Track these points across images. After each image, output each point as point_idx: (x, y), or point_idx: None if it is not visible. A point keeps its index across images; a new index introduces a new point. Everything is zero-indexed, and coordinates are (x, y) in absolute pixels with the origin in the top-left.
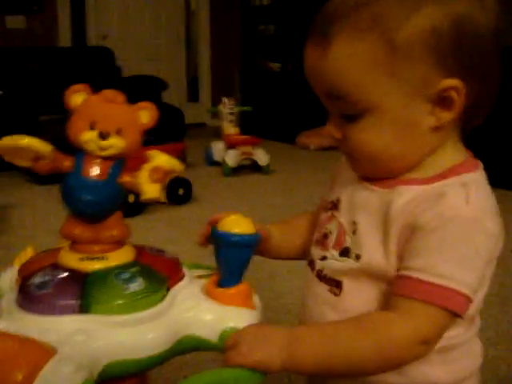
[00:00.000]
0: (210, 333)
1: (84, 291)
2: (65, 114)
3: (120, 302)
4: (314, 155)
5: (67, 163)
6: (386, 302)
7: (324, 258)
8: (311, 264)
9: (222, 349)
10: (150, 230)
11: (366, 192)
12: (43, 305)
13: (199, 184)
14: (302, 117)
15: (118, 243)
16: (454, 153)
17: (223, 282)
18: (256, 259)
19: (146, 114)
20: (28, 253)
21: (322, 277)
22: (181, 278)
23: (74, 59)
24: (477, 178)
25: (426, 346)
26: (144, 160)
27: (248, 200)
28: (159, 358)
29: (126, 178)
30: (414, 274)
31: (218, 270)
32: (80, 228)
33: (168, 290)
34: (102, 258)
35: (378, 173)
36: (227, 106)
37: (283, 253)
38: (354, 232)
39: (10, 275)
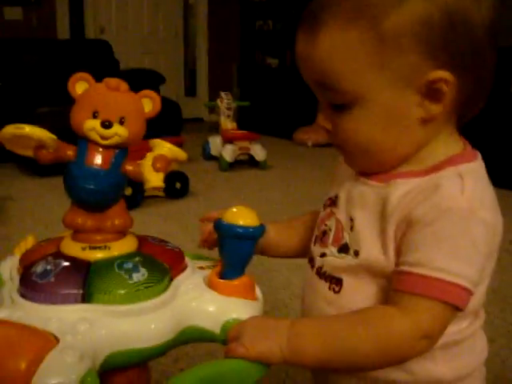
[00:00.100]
0: (212, 324)
1: (86, 280)
2: (63, 106)
3: (123, 291)
4: (311, 151)
5: (70, 152)
6: (386, 299)
7: (323, 255)
8: (311, 261)
9: (224, 340)
10: (146, 224)
11: (362, 187)
12: (45, 294)
13: (196, 178)
14: (300, 113)
15: (121, 233)
16: (450, 144)
17: (226, 274)
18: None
19: (149, 103)
20: (29, 242)
21: (321, 274)
22: (183, 268)
23: (72, 52)
24: (474, 169)
25: (428, 340)
26: (146, 150)
27: (245, 195)
28: (162, 348)
29: (129, 167)
30: (412, 269)
31: (221, 261)
32: (83, 217)
33: (171, 280)
34: (105, 248)
35: (371, 166)
36: (225, 101)
37: (281, 251)
38: (351, 228)
39: (10, 264)
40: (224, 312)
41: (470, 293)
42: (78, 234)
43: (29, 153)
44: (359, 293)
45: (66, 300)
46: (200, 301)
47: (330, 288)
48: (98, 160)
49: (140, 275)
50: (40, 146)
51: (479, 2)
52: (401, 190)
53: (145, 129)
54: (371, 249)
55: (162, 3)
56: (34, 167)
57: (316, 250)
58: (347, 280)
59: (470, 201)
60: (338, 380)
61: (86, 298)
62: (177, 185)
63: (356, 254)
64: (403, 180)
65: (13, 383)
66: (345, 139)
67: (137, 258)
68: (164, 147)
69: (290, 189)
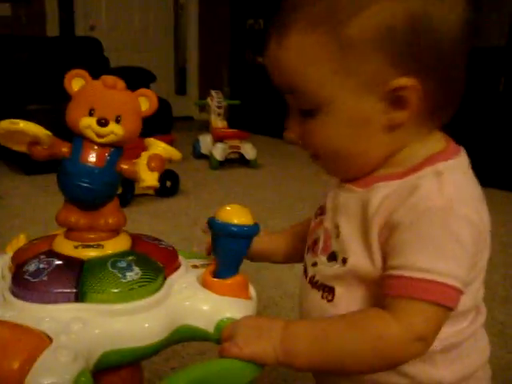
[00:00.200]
0: (206, 323)
1: (80, 279)
2: (52, 103)
3: (116, 290)
4: (301, 150)
5: (64, 149)
6: (379, 305)
7: (315, 264)
8: (305, 271)
9: (217, 339)
10: (136, 222)
11: (345, 194)
12: (38, 293)
13: (186, 177)
14: None
15: (114, 231)
16: (430, 143)
17: (220, 273)
18: None
19: (145, 102)
20: (20, 240)
21: (314, 283)
22: (177, 267)
23: (62, 49)
24: (453, 165)
25: (422, 342)
26: (141, 149)
27: (235, 194)
28: (155, 348)
29: (124, 166)
30: (398, 272)
31: (215, 260)
32: (76, 215)
33: (165, 279)
34: (98, 246)
35: (346, 172)
36: (215, 100)
37: (268, 259)
38: (337, 236)
39: (2, 262)
40: (218, 311)
41: (459, 291)
42: (71, 232)
43: (23, 148)
44: (352, 300)
45: (59, 299)
46: (194, 300)
47: (323, 297)
48: (93, 158)
49: (133, 274)
50: (34, 142)
51: (446, 8)
52: (381, 193)
53: (141, 127)
54: (357, 255)
55: (153, 1)
56: (23, 165)
57: (308, 259)
58: (339, 288)
59: (448, 198)
60: (339, 383)
61: (79, 297)
62: (167, 183)
63: (344, 261)
64: (383, 183)
65: (6, 383)
66: (313, 145)
67: (130, 257)
68: (159, 146)
69: (281, 187)
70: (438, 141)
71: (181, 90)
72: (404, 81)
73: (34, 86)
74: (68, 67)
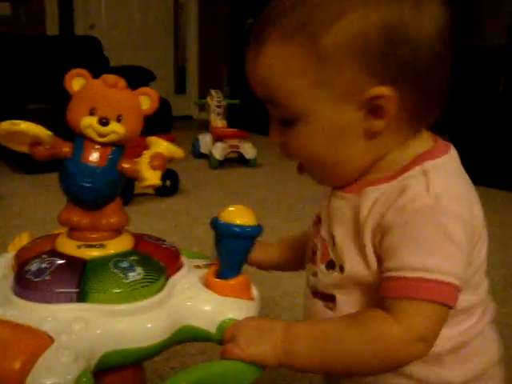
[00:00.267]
0: (208, 323)
1: (82, 279)
2: (51, 102)
3: (118, 290)
4: None
5: (66, 149)
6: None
7: (315, 274)
8: (307, 281)
9: (219, 340)
10: (136, 222)
11: (337, 202)
12: (40, 292)
13: (186, 176)
14: None
15: (117, 231)
16: (418, 144)
17: (223, 273)
18: None
19: (146, 101)
20: (23, 239)
21: (316, 293)
22: (180, 267)
23: (61, 48)
24: (441, 163)
25: (423, 343)
26: (143, 148)
27: (234, 193)
28: (157, 348)
29: (125, 165)
30: (393, 274)
31: (218, 260)
32: (78, 215)
33: (167, 279)
34: (101, 246)
35: (333, 180)
36: (215, 99)
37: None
38: (333, 244)
39: (5, 261)
40: (220, 312)
41: (456, 288)
42: (73, 231)
43: (24, 149)
44: (353, 307)
45: (61, 299)
46: (196, 300)
47: (325, 306)
48: (95, 157)
49: (136, 274)
50: (36, 142)
51: (422, 17)
52: (371, 197)
53: (142, 126)
54: (352, 261)
55: (153, 0)
56: (23, 165)
57: (308, 269)
58: (339, 296)
59: (436, 196)
60: None
61: (81, 297)
62: (167, 182)
63: (341, 269)
64: (373, 187)
65: (6, 382)
66: (294, 154)
67: (132, 257)
68: (161, 145)
69: (280, 187)
70: (425, 140)
71: (180, 89)
72: (380, 90)
73: (34, 86)
74: (67, 66)
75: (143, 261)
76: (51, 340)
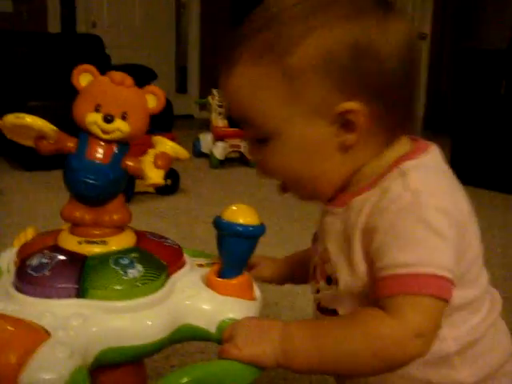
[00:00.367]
0: (208, 323)
1: (82, 275)
2: (53, 100)
3: (117, 287)
4: None
5: (70, 144)
6: None
7: (318, 291)
8: (313, 298)
9: (219, 340)
10: (136, 220)
11: (329, 217)
12: (40, 287)
13: (186, 175)
14: None
15: (119, 228)
16: (396, 149)
17: (225, 273)
18: None
19: (153, 99)
20: (28, 234)
21: (321, 309)
22: (182, 265)
23: (63, 46)
24: (419, 162)
25: (421, 339)
26: (148, 147)
27: (235, 193)
28: (156, 346)
29: (129, 163)
30: (384, 273)
31: (220, 259)
32: (81, 211)
33: (168, 277)
34: (102, 243)
35: (314, 195)
36: (216, 98)
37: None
38: (328, 259)
39: (10, 256)
40: (220, 311)
41: (448, 280)
42: (75, 227)
43: (29, 143)
44: None
45: (60, 294)
46: (196, 299)
47: None
48: (99, 154)
49: (135, 271)
50: (41, 136)
51: (387, 32)
52: (357, 206)
53: (147, 125)
54: (345, 274)
55: None
56: (23, 162)
57: (312, 286)
58: (341, 310)
59: (415, 193)
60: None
61: (80, 293)
62: (167, 181)
63: (337, 283)
64: (358, 197)
65: (2, 376)
66: (271, 172)
67: (133, 254)
68: (166, 145)
69: None
70: (403, 145)
71: (181, 88)
72: (349, 105)
73: (35, 83)
74: (69, 64)
75: (144, 258)
76: (48, 335)
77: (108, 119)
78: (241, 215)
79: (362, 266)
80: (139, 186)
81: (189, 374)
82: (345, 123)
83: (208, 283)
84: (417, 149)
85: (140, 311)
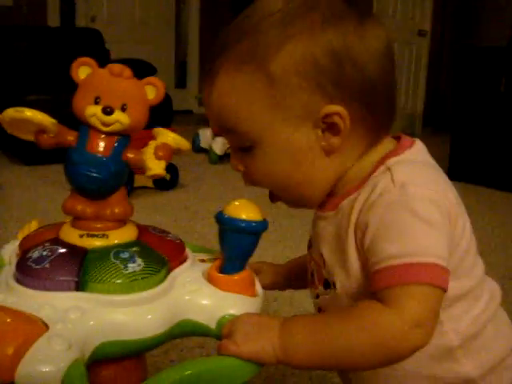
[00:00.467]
0: (208, 318)
1: (81, 268)
2: (51, 94)
3: (117, 281)
4: None
5: (70, 138)
6: None
7: (317, 297)
8: (313, 304)
9: (219, 336)
10: (135, 215)
11: (321, 222)
12: (39, 280)
13: (185, 170)
14: None
15: (121, 221)
16: (381, 148)
17: (226, 268)
18: None
19: (152, 90)
20: (32, 226)
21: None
22: (183, 260)
23: (62, 40)
24: (404, 157)
25: (420, 329)
26: (150, 139)
27: (234, 188)
28: (155, 341)
29: (130, 155)
30: (379, 267)
31: (222, 255)
32: (82, 204)
33: (169, 272)
34: (103, 236)
35: (303, 201)
36: None
37: None
38: (324, 263)
39: (13, 248)
40: (221, 307)
41: (442, 268)
42: (77, 220)
43: (30, 137)
44: None
45: (59, 287)
46: (197, 294)
47: None
48: (99, 147)
49: (136, 265)
50: (41, 130)
51: (365, 36)
52: (347, 207)
53: (147, 116)
54: (342, 277)
55: None
56: (22, 156)
57: (311, 293)
58: None
59: (402, 186)
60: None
61: (80, 286)
62: (166, 176)
63: (335, 286)
64: (347, 198)
65: None
66: (257, 180)
67: (134, 248)
68: (168, 136)
69: None
70: (387, 144)
71: (181, 83)
72: (332, 108)
73: (34, 77)
74: (68, 58)
75: (145, 252)
76: (46, 327)
77: (107, 111)
78: (243, 211)
79: (357, 267)
80: (138, 181)
81: (186, 370)
82: (329, 126)
83: (209, 279)
84: (401, 146)
85: (139, 305)
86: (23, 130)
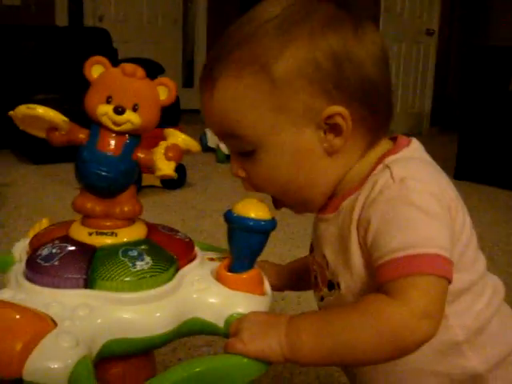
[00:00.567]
0: (216, 317)
1: (90, 266)
2: (59, 93)
3: (125, 279)
4: None
5: (82, 136)
6: None
7: (322, 299)
8: (318, 307)
9: (227, 334)
10: (143, 214)
11: (323, 225)
12: (48, 277)
13: (193, 170)
14: None
15: (130, 220)
16: (379, 149)
17: (235, 267)
18: None
19: (164, 91)
20: (43, 224)
21: None
22: (192, 258)
23: (70, 39)
24: (402, 155)
25: (428, 320)
26: (161, 139)
27: (241, 187)
28: (162, 338)
29: (140, 155)
30: (382, 261)
31: (231, 254)
32: (92, 202)
33: (177, 270)
34: (112, 234)
35: (308, 204)
36: None
37: None
38: (327, 265)
39: (23, 246)
40: (229, 305)
41: (445, 258)
42: (87, 218)
43: (41, 134)
44: None
45: (68, 284)
46: (205, 293)
47: None
48: (110, 145)
49: (144, 264)
50: (52, 127)
51: (362, 39)
52: (348, 207)
53: (159, 117)
54: (347, 277)
55: None
56: (31, 155)
57: (315, 296)
58: None
59: (401, 180)
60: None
61: (88, 284)
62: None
63: (339, 286)
64: (348, 199)
65: (7, 364)
66: (260, 185)
67: (143, 246)
68: (178, 137)
69: None
70: (384, 145)
71: (188, 82)
72: (335, 109)
73: (42, 76)
74: (76, 58)
75: (153, 250)
76: (55, 325)
77: (119, 111)
78: (252, 209)
79: (360, 265)
80: (146, 180)
81: (193, 368)
82: (331, 127)
83: (218, 277)
84: (398, 145)
85: (148, 303)
86: (35, 126)
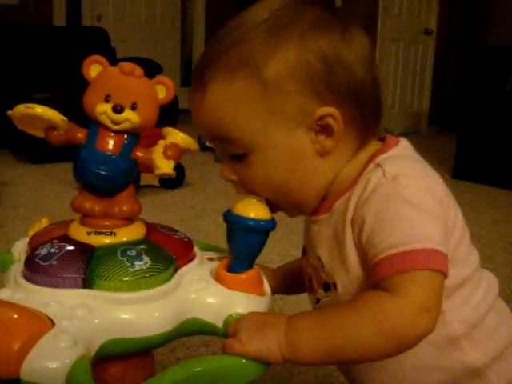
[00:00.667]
0: (214, 317)
1: (89, 266)
2: (57, 93)
3: (124, 279)
4: None
5: (80, 135)
6: None
7: (318, 301)
8: (314, 310)
9: (225, 334)
10: (141, 214)
11: (315, 226)
12: (46, 277)
13: (191, 169)
14: None
15: (129, 219)
16: (367, 151)
17: (234, 267)
18: None
19: (163, 90)
20: (42, 224)
21: None
22: (191, 258)
23: (68, 39)
24: (392, 154)
25: (427, 314)
26: (160, 138)
27: None
28: (161, 338)
29: (139, 153)
30: (378, 258)
31: (230, 253)
32: (91, 201)
33: (176, 270)
34: (111, 234)
35: (302, 207)
36: None
37: None
38: (322, 266)
39: (23, 245)
40: (228, 306)
41: (440, 252)
42: (85, 218)
43: (40, 134)
44: None
45: (66, 284)
46: (203, 293)
47: None
48: (108, 145)
49: (142, 263)
50: (51, 127)
51: (350, 41)
52: (341, 207)
53: (157, 116)
54: (343, 277)
55: None
56: (29, 154)
57: (311, 299)
58: None
59: (394, 178)
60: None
61: (87, 284)
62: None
63: (335, 287)
64: (340, 199)
65: (4, 363)
66: (252, 188)
67: (141, 246)
68: (177, 136)
69: None
70: (374, 145)
71: (186, 82)
72: (326, 110)
73: (40, 75)
74: (74, 57)
75: (152, 250)
76: (52, 324)
77: (117, 109)
78: (252, 209)
79: (356, 263)
80: (144, 180)
81: (192, 368)
82: (322, 128)
83: (217, 277)
84: (387, 144)
85: (146, 303)
86: (33, 126)
